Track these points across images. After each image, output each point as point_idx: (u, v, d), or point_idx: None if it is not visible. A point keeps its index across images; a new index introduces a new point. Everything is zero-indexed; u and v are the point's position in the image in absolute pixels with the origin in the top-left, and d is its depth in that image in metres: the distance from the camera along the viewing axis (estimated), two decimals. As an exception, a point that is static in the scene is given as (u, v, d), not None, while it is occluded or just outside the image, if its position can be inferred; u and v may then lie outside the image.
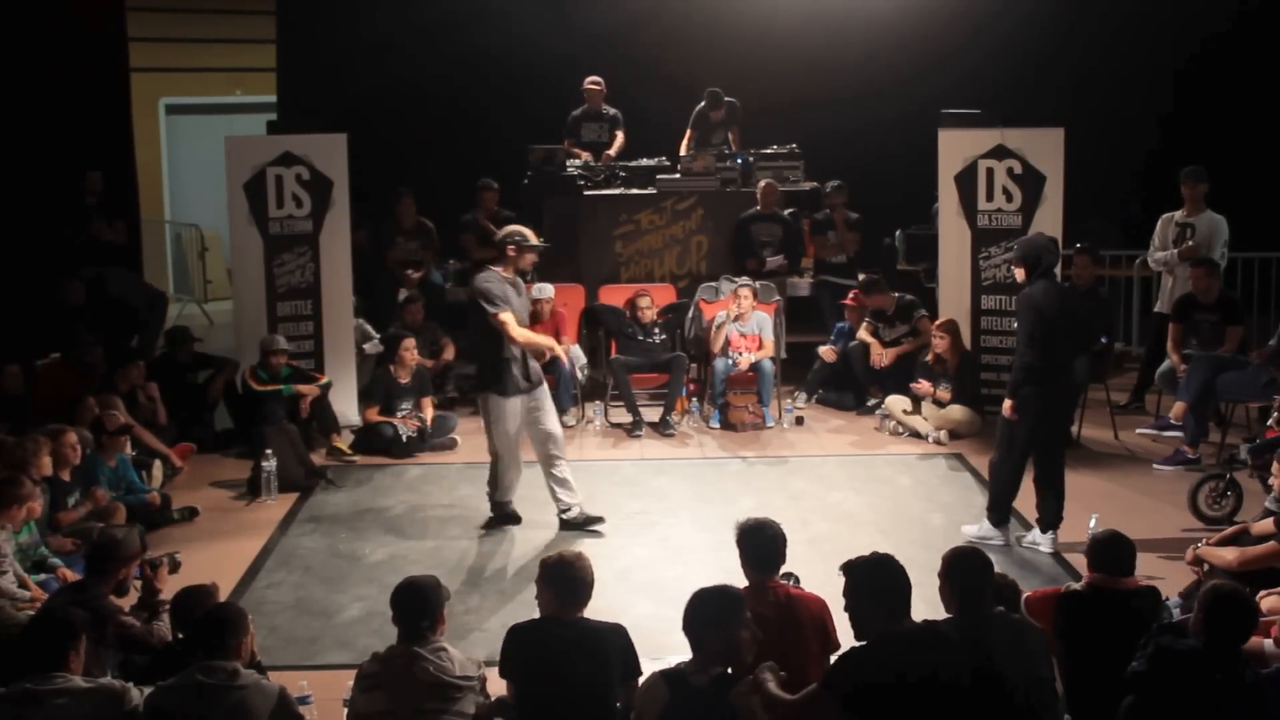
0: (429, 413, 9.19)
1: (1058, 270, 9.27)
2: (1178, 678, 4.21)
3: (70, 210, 10.68)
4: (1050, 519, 7.05)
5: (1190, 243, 9.41)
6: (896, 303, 9.91)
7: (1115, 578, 4.86)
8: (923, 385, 9.19)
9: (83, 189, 10.75)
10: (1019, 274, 7.13)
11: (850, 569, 4.27)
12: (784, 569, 4.93)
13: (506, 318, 7.09)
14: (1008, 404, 6.95)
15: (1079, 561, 5.90)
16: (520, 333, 7.18)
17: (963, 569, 4.51)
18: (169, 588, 5.42)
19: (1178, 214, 9.61)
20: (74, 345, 8.90)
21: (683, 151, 11.34)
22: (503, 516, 7.58)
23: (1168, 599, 5.04)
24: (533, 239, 7.31)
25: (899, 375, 9.55)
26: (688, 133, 11.55)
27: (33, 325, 9.73)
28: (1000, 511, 7.12)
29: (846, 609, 4.24)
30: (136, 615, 5.28)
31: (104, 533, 5.57)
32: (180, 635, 5.05)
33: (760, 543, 4.86)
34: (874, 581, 4.19)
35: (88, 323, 9.45)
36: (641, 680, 4.37)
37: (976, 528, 7.17)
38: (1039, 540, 7.05)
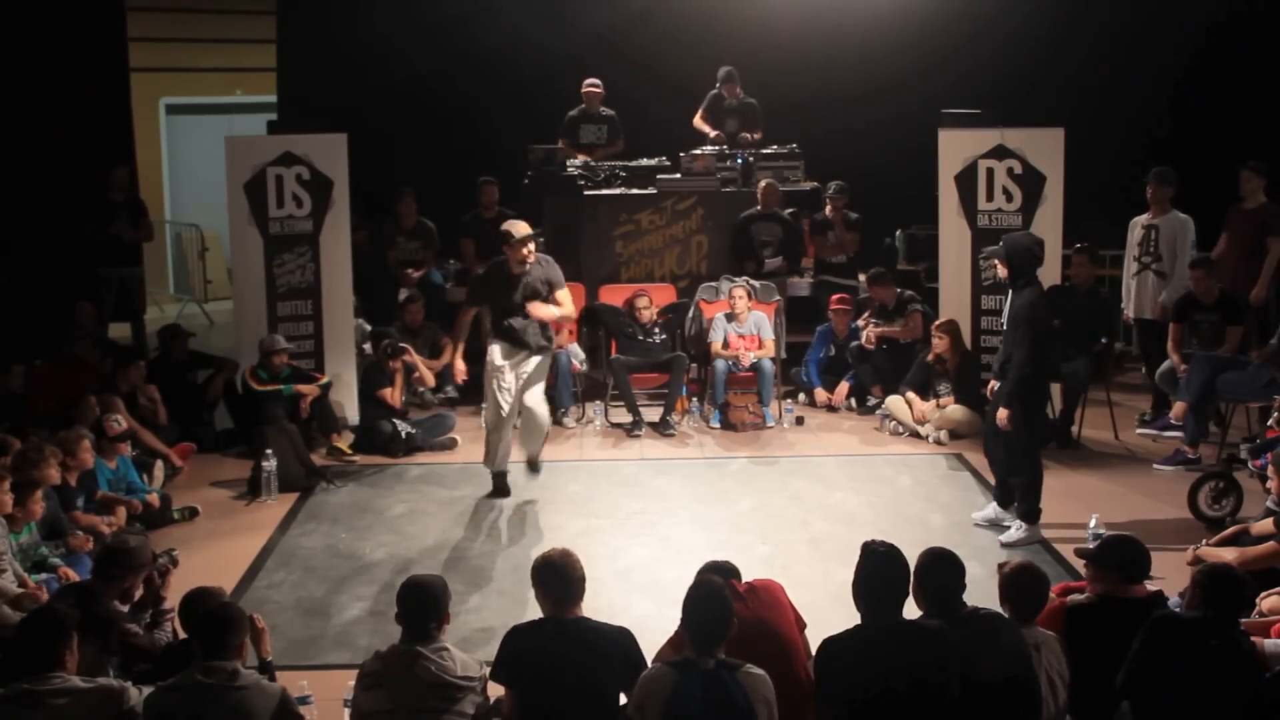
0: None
1: (1058, 270, 9.42)
2: (1174, 643, 4.35)
3: (91, 207, 10.66)
4: (1008, 498, 7.37)
5: (1154, 246, 9.49)
6: (898, 298, 9.95)
7: (1125, 585, 4.83)
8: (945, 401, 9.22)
9: (108, 184, 10.72)
10: (1001, 270, 7.25)
11: (863, 551, 4.39)
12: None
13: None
14: (1005, 414, 7.04)
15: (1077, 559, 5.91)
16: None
17: (935, 571, 4.51)
18: (170, 587, 5.41)
19: (1143, 217, 9.64)
20: (69, 341, 8.93)
21: (696, 122, 11.41)
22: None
23: (1168, 600, 5.03)
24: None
25: (898, 372, 9.55)
26: (702, 115, 11.57)
27: (39, 325, 9.76)
28: (1034, 509, 7.23)
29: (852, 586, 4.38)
30: (137, 619, 5.26)
31: (117, 537, 5.51)
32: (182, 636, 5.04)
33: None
34: (865, 571, 4.31)
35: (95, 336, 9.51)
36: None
37: (1012, 533, 7.22)
38: (1002, 516, 7.38)
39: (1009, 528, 7.26)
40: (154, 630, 5.23)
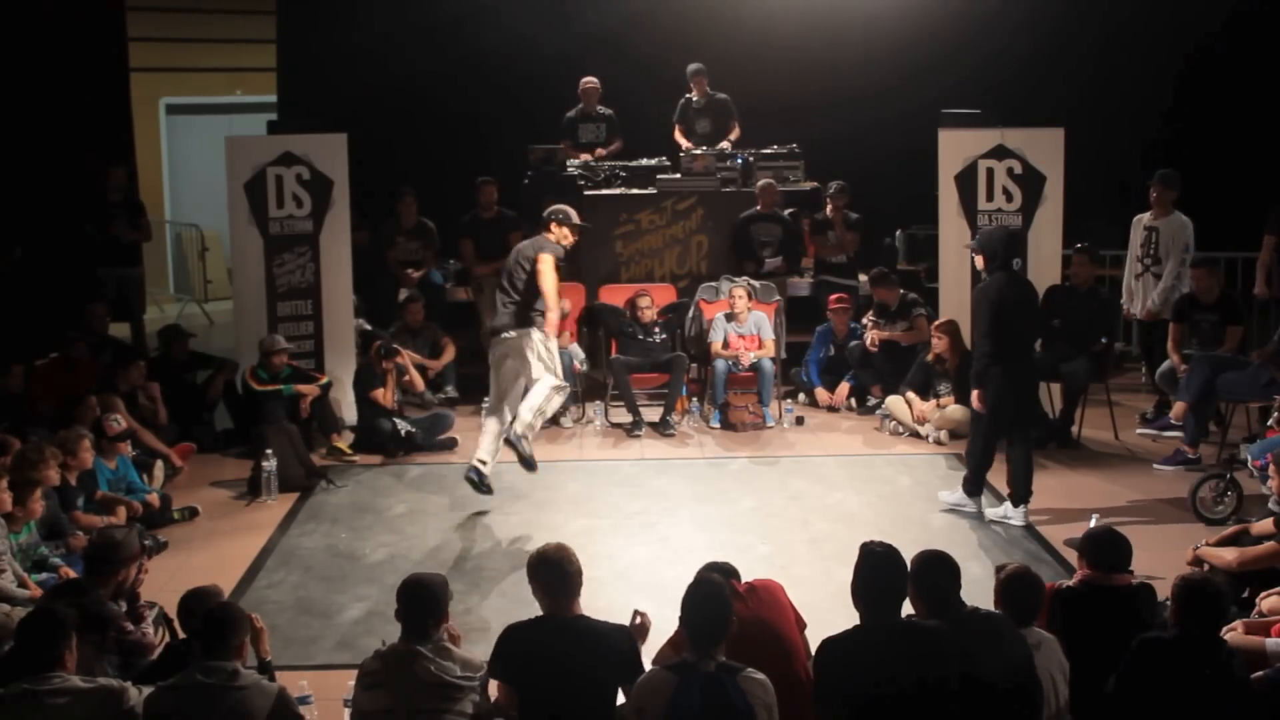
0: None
1: (1058, 270, 9.42)
2: (1162, 665, 4.32)
3: (89, 207, 10.65)
4: (1020, 494, 7.43)
5: (1154, 249, 9.49)
6: (900, 299, 9.95)
7: (1108, 574, 4.88)
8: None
9: (105, 185, 10.72)
10: (978, 261, 7.50)
11: (861, 552, 4.38)
12: None
13: None
14: (975, 394, 7.41)
15: (1073, 555, 5.90)
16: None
17: (928, 573, 4.50)
18: (161, 579, 5.39)
19: (1145, 217, 9.65)
20: (69, 341, 8.95)
21: (680, 143, 11.37)
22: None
23: (1165, 599, 5.03)
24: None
25: (898, 373, 9.55)
26: (677, 127, 11.57)
27: (39, 325, 9.75)
28: (975, 484, 7.56)
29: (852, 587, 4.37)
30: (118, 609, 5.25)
31: (102, 533, 5.52)
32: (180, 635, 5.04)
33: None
34: (863, 571, 4.31)
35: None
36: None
37: (951, 494, 7.66)
38: (1010, 514, 7.45)
39: (1017, 524, 7.40)
40: (138, 625, 5.24)
